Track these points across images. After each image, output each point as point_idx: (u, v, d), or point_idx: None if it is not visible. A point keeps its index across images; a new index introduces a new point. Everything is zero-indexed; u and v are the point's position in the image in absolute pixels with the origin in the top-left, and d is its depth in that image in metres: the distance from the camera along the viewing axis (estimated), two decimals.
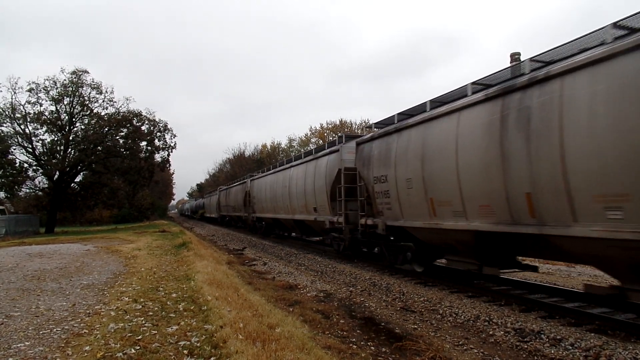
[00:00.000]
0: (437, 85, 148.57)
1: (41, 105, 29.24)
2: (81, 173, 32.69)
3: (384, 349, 5.24)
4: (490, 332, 5.86)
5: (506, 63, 7.63)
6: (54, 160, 28.65)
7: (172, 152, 33.64)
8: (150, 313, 5.39)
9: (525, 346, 5.29)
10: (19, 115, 28.48)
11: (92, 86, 30.58)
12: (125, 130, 30.86)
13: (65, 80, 29.60)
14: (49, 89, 29.18)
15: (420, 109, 9.32)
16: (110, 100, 31.39)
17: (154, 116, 32.37)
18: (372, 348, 5.27)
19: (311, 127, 68.42)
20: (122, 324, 4.83)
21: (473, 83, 7.55)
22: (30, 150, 29.19)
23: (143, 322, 4.97)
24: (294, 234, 20.64)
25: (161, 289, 7.01)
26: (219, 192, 37.44)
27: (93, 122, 30.30)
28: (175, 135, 33.45)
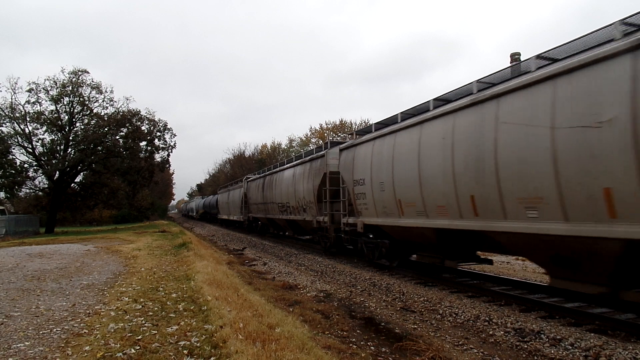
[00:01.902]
0: (434, 88, 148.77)
1: (41, 105, 29.33)
2: (81, 173, 32.75)
3: (384, 349, 5.24)
4: (490, 332, 5.86)
5: (505, 64, 7.59)
6: (54, 160, 28.66)
7: (172, 151, 33.75)
8: (150, 313, 5.39)
9: (525, 346, 5.29)
10: (18, 115, 28.52)
11: (92, 86, 30.68)
12: (125, 129, 30.88)
13: (65, 80, 29.69)
14: (48, 88, 29.26)
15: None
16: (110, 100, 31.52)
17: (154, 116, 32.48)
18: (372, 348, 5.27)
19: (311, 127, 68.47)
20: (122, 324, 4.83)
21: None
22: (30, 150, 29.24)
23: (143, 322, 4.97)
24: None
25: (161, 289, 7.01)
26: (247, 184, 25.77)
27: (93, 122, 30.32)
28: (175, 135, 33.59)
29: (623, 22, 5.41)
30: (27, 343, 4.36)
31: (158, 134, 32.50)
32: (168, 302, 5.96)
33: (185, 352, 3.94)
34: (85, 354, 3.94)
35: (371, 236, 11.20)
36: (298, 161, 16.96)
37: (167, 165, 37.87)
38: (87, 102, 30.66)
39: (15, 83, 28.66)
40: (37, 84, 28.92)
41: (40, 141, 29.72)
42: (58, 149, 29.88)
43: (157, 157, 33.89)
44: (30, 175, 30.27)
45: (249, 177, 26.27)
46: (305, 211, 15.55)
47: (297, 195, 16.22)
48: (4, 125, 28.60)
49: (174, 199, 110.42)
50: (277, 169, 19.99)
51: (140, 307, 5.71)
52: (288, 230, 19.76)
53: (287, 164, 19.04)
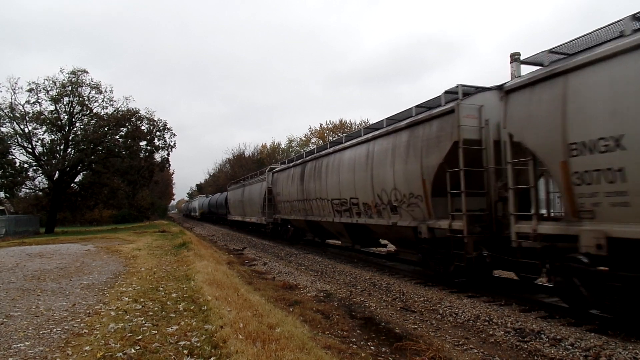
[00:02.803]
0: (434, 88, 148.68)
1: (41, 105, 29.33)
2: (81, 173, 32.75)
3: (384, 349, 5.24)
4: (490, 332, 5.86)
5: (505, 64, 7.59)
6: (53, 160, 28.64)
7: (171, 151, 33.72)
8: (151, 313, 5.39)
9: (525, 346, 5.29)
10: (18, 115, 28.51)
11: (92, 86, 30.67)
12: (124, 129, 30.88)
13: (64, 80, 29.68)
14: (48, 89, 29.26)
15: None
16: (109, 100, 31.52)
17: (153, 115, 32.46)
18: (372, 348, 5.28)
19: (311, 127, 68.49)
20: (122, 324, 4.83)
21: None
22: (30, 150, 29.24)
23: (143, 322, 4.97)
24: None
25: (161, 289, 7.02)
26: (272, 176, 20.45)
27: (93, 122, 30.31)
28: (174, 135, 33.56)
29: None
30: (27, 343, 4.36)
31: (158, 133, 32.50)
32: (168, 302, 5.96)
33: (185, 352, 3.94)
34: (85, 354, 3.94)
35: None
36: (379, 131, 10.71)
37: (167, 165, 37.84)
38: (86, 102, 30.65)
39: (15, 83, 28.66)
40: (37, 84, 28.95)
41: (40, 141, 29.77)
42: (58, 149, 29.87)
43: (157, 156, 33.95)
44: (30, 175, 30.28)
45: (274, 168, 21.11)
46: (396, 211, 9.80)
47: (378, 185, 10.38)
48: (4, 125, 28.63)
49: (174, 199, 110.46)
50: (330, 150, 13.82)
51: (141, 307, 5.71)
52: (344, 239, 13.82)
53: (345, 141, 13.17)
